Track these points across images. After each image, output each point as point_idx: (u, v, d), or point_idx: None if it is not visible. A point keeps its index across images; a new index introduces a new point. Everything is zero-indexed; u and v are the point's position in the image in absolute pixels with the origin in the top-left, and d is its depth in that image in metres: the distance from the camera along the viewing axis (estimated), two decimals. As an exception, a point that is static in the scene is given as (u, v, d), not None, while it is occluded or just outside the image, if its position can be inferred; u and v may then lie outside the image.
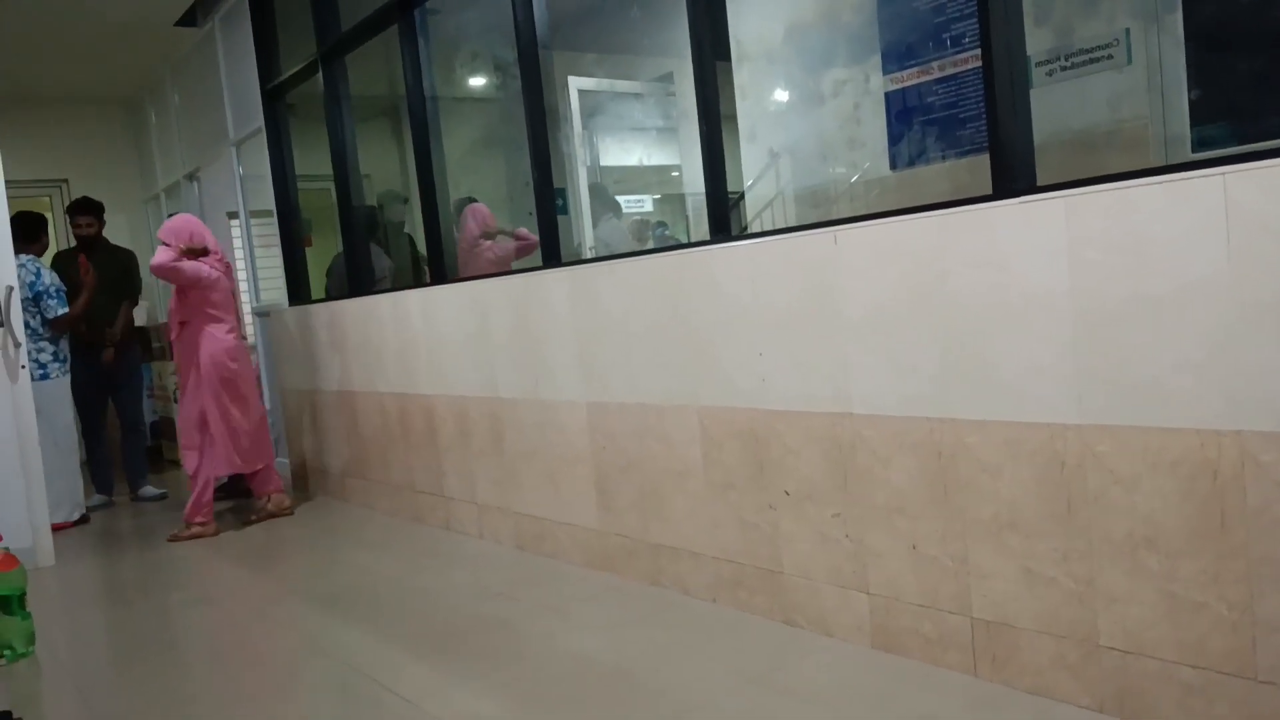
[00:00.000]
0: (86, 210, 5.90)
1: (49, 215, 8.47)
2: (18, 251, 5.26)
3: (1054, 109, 3.11)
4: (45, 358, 5.25)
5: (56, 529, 5.13)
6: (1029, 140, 2.18)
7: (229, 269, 4.98)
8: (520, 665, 2.71)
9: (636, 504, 3.28)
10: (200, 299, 4.77)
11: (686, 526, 3.08)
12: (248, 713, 2.61)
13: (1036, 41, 3.09)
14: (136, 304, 6.08)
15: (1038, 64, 3.11)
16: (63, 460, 5.24)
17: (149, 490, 6.03)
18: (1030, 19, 2.93)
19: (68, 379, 5.38)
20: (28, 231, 5.33)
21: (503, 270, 4.80)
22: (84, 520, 5.45)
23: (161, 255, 4.66)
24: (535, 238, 4.42)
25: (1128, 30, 3.02)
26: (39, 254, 5.44)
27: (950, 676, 2.30)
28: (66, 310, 5.27)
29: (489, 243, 5.20)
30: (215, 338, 4.81)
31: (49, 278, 5.30)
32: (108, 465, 5.99)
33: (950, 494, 2.28)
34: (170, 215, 6.27)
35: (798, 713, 2.23)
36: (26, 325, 5.08)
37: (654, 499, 3.20)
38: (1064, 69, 3.15)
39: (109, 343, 5.85)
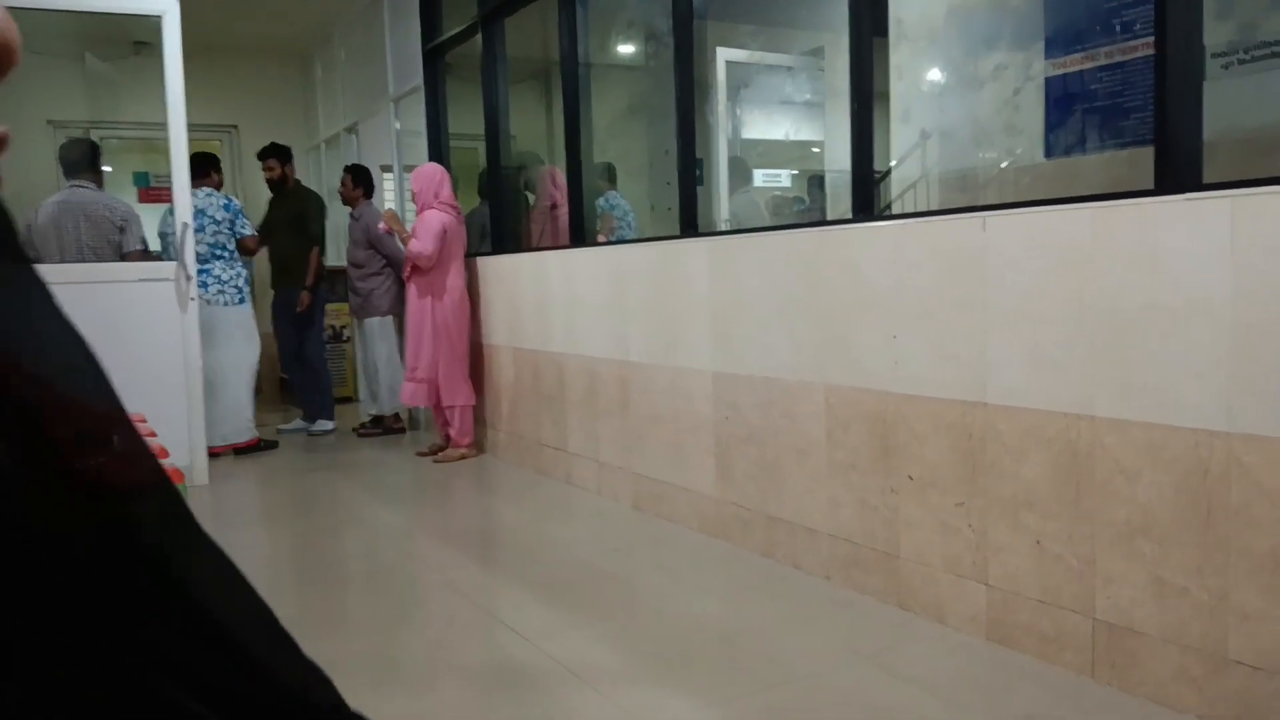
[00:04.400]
0: (268, 155, 6.28)
1: (220, 157, 9.05)
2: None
3: (1228, 104, 2.96)
4: (242, 282, 5.70)
5: (231, 449, 5.58)
6: (1198, 135, 2.10)
7: (458, 213, 5.23)
8: (633, 618, 2.80)
9: (755, 476, 3.32)
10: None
11: (805, 502, 3.10)
12: (375, 633, 2.79)
13: (1216, 34, 2.94)
14: (322, 248, 6.28)
15: (1213, 55, 2.96)
16: (242, 382, 5.66)
17: (323, 424, 6.31)
18: (1211, 12, 2.79)
19: (248, 309, 5.74)
20: (198, 168, 5.72)
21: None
22: (268, 445, 5.81)
23: (425, 245, 4.98)
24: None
25: (1319, 23, 2.84)
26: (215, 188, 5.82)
27: (1065, 676, 2.27)
28: (254, 233, 5.78)
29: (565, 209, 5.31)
30: (442, 283, 5.14)
31: (238, 203, 5.74)
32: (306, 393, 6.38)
33: (1083, 493, 2.24)
34: (346, 160, 6.55)
35: (907, 695, 2.24)
36: (225, 250, 5.59)
37: (774, 472, 3.24)
38: (1242, 62, 2.99)
39: (304, 287, 6.13)
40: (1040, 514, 2.34)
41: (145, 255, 5.14)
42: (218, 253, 5.58)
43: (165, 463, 3.11)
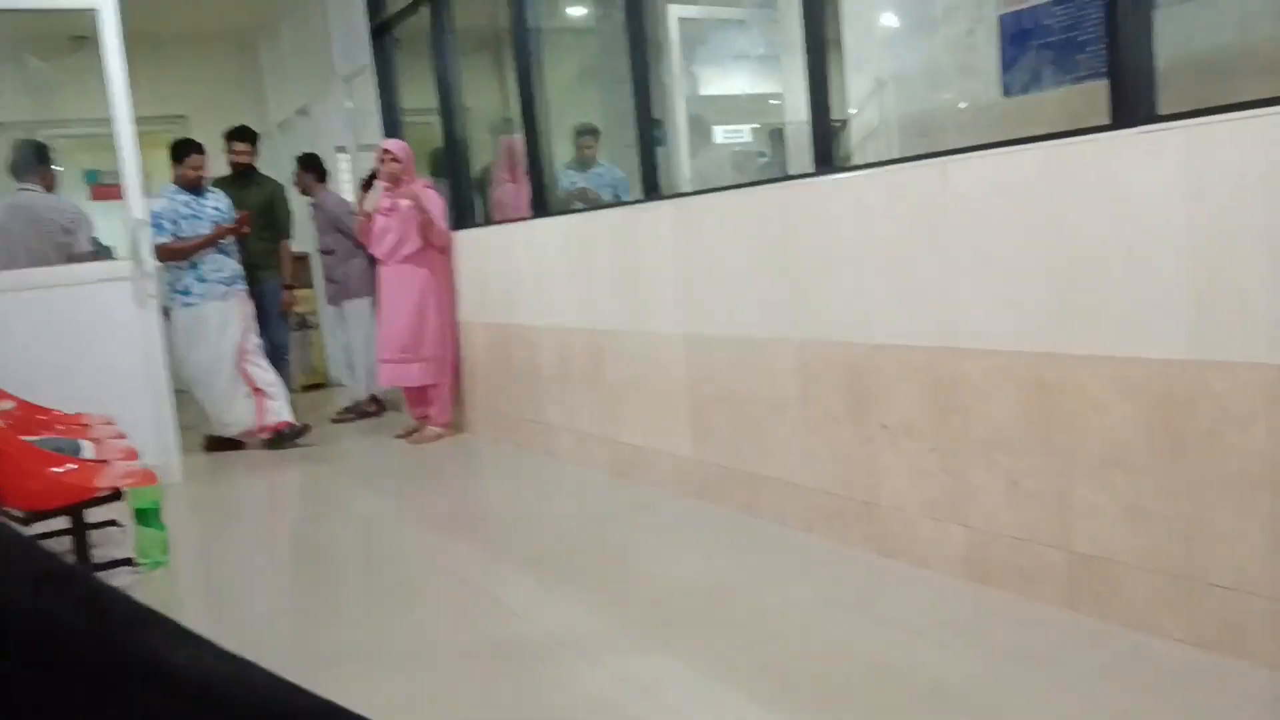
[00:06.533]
0: (243, 137, 5.89)
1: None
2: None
3: (1179, 30, 2.96)
4: (189, 280, 5.16)
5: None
6: (1151, 65, 2.10)
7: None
8: (622, 585, 2.82)
9: (732, 434, 3.33)
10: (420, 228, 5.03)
11: (782, 457, 3.12)
12: (369, 618, 2.79)
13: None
14: (291, 237, 6.06)
15: (1163, -17, 2.96)
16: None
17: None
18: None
19: (198, 310, 5.16)
20: (174, 155, 5.31)
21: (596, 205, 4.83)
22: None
23: (443, 220, 5.01)
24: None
25: (1266, -57, 2.84)
26: (181, 180, 5.24)
27: (1046, 610, 2.30)
28: (165, 241, 5.02)
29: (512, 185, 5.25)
30: (442, 260, 5.17)
31: (157, 205, 5.09)
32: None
33: (1054, 429, 2.26)
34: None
35: (893, 641, 2.27)
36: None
37: (750, 430, 3.25)
38: (1193, -13, 2.99)
39: (285, 284, 5.93)
40: (1013, 453, 2.37)
41: (95, 257, 5.01)
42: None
43: (135, 464, 3.07)
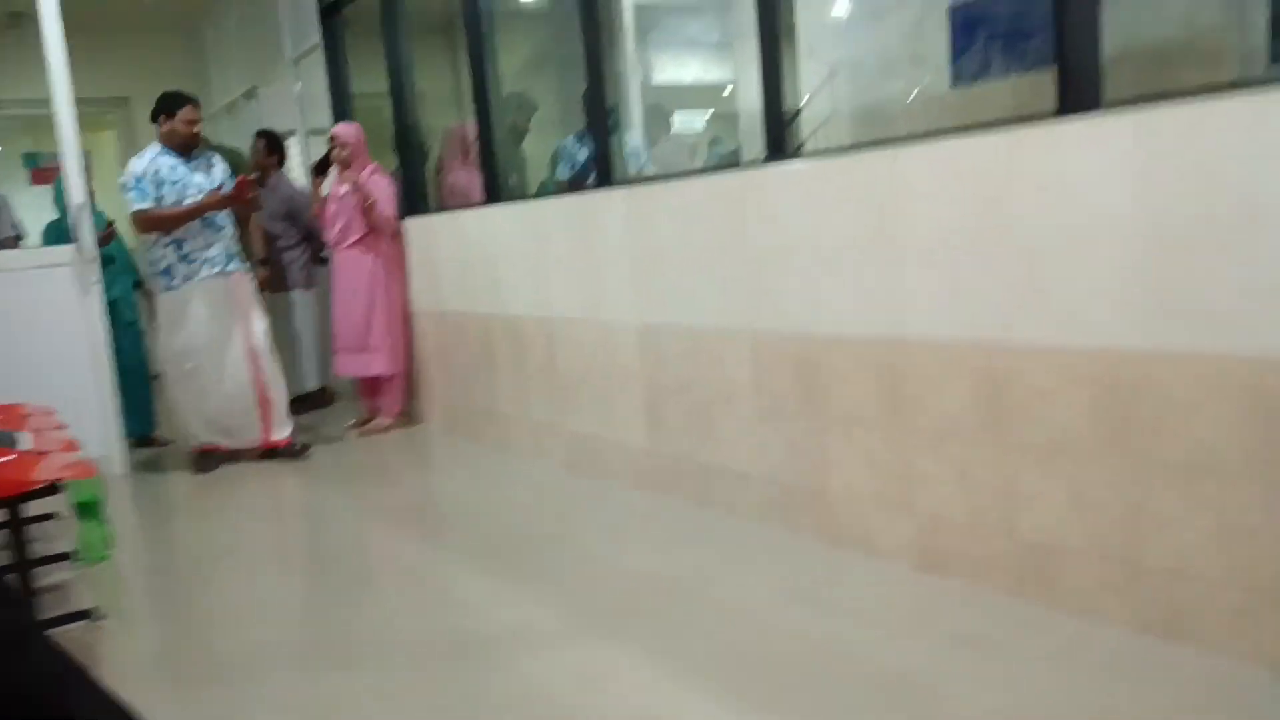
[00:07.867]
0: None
1: (113, 132, 8.64)
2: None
3: (1125, 20, 2.99)
4: (165, 265, 4.47)
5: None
6: (1097, 53, 2.11)
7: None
8: (575, 577, 2.79)
9: (686, 425, 3.32)
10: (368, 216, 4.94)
11: (735, 448, 3.11)
12: (319, 614, 2.74)
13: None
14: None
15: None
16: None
17: None
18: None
19: (179, 294, 4.45)
20: (163, 109, 4.47)
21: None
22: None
23: (390, 205, 4.91)
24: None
25: (1209, -65, 2.87)
26: (172, 139, 4.42)
27: (995, 597, 2.32)
28: (144, 208, 4.35)
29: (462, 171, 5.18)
30: (390, 248, 5.10)
31: (137, 165, 4.40)
32: None
33: (1002, 419, 2.28)
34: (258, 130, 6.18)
35: (844, 629, 2.27)
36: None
37: (703, 421, 3.24)
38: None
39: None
40: (962, 442, 2.38)
41: (16, 242, 4.83)
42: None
43: (77, 456, 2.98)
